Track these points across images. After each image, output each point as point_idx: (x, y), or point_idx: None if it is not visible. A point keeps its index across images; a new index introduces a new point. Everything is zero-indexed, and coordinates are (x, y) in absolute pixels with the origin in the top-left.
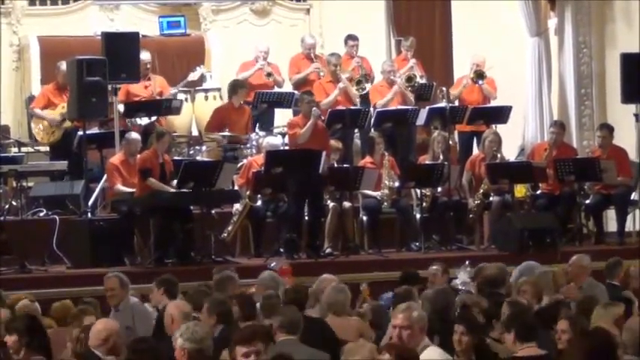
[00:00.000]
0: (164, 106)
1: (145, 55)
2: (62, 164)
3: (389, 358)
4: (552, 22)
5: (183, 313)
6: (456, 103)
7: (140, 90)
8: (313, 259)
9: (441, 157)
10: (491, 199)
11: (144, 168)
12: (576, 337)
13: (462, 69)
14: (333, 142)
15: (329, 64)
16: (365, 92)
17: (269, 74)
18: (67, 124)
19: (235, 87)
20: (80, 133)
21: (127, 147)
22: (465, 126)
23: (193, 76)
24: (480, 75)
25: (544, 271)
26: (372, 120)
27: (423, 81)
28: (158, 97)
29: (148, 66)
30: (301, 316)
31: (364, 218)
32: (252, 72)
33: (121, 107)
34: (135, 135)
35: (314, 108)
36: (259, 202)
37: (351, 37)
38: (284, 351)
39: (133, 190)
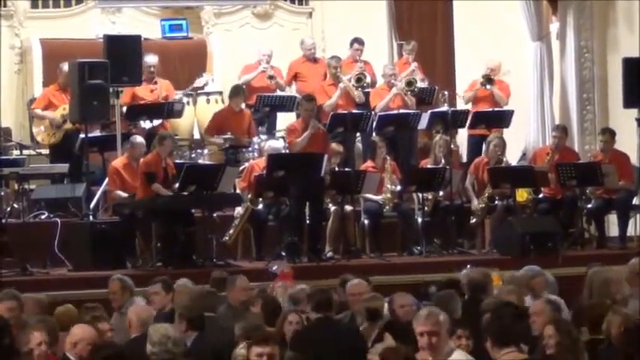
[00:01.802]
0: (166, 110)
1: (151, 59)
2: (63, 167)
3: None
4: (554, 27)
5: (142, 319)
6: (469, 106)
7: (146, 93)
8: (315, 262)
9: (443, 160)
10: (496, 202)
11: (148, 172)
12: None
13: (463, 72)
14: (334, 146)
15: (329, 66)
16: (366, 90)
17: (271, 77)
18: (68, 125)
19: (230, 94)
20: (82, 135)
21: (131, 150)
22: (475, 130)
23: (199, 82)
24: (488, 80)
25: (522, 274)
26: (374, 124)
27: (424, 84)
28: (163, 101)
29: (152, 69)
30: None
31: (366, 222)
32: (255, 75)
33: (123, 110)
34: (140, 139)
35: (312, 119)
36: (260, 206)
37: (357, 41)
38: None
39: (133, 193)
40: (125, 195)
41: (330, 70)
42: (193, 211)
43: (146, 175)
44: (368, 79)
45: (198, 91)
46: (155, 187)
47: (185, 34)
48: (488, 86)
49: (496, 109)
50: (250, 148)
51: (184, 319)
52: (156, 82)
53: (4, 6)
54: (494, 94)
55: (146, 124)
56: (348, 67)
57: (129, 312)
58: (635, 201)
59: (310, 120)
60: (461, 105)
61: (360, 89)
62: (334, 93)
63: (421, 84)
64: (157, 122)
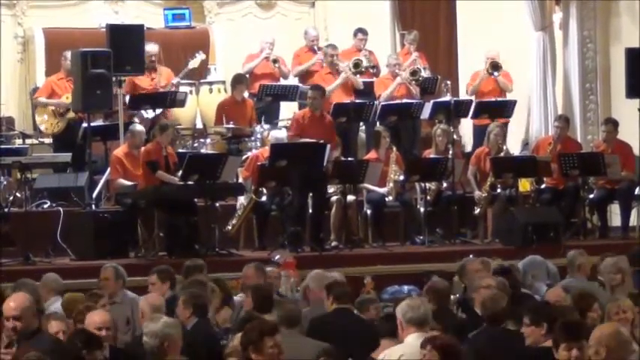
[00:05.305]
0: (169, 99)
1: (152, 48)
2: (66, 156)
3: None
4: (557, 17)
5: (155, 307)
6: (473, 98)
7: (146, 82)
8: (317, 252)
9: (451, 150)
10: (498, 191)
11: (150, 160)
12: None
13: (466, 62)
14: None
15: (326, 55)
16: (371, 79)
17: (275, 60)
18: (71, 114)
19: (233, 82)
20: (84, 124)
21: (131, 139)
22: (482, 120)
23: (193, 64)
24: (495, 66)
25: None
26: (377, 113)
27: (427, 74)
28: (165, 90)
29: (153, 58)
30: (300, 310)
31: (368, 212)
32: (259, 61)
33: (126, 99)
34: (139, 127)
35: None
36: (264, 197)
37: (361, 31)
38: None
39: (135, 182)
40: (128, 183)
41: (327, 59)
42: (196, 200)
43: (149, 163)
44: (365, 63)
45: (201, 80)
46: (159, 174)
47: (188, 24)
48: (495, 73)
49: (502, 98)
50: (253, 138)
51: (190, 306)
52: (156, 71)
53: None
54: (500, 81)
55: (148, 114)
56: (350, 55)
57: (140, 302)
58: (637, 191)
59: (316, 109)
60: (463, 94)
61: (358, 75)
62: (331, 81)
63: (424, 74)
64: (158, 111)
